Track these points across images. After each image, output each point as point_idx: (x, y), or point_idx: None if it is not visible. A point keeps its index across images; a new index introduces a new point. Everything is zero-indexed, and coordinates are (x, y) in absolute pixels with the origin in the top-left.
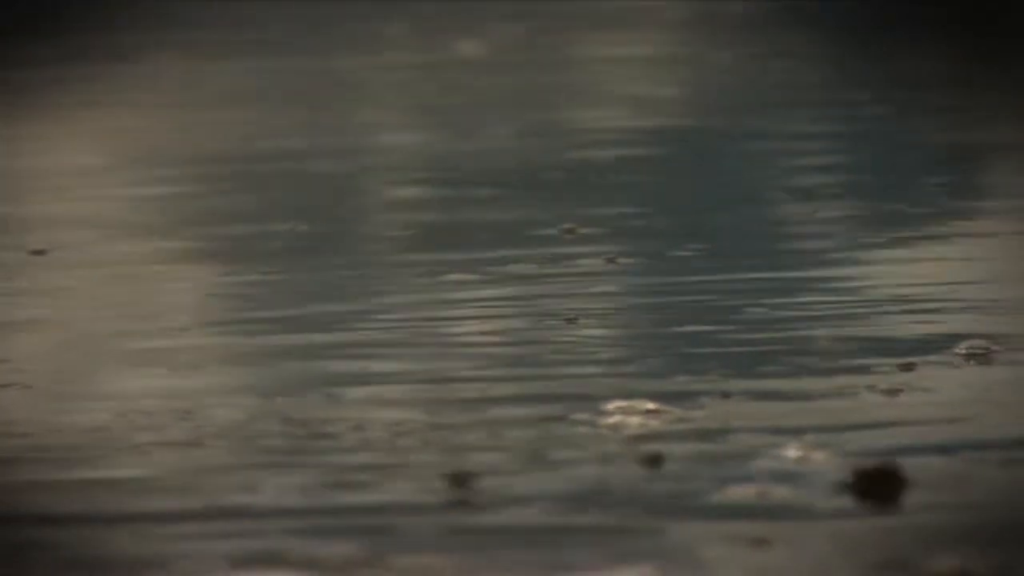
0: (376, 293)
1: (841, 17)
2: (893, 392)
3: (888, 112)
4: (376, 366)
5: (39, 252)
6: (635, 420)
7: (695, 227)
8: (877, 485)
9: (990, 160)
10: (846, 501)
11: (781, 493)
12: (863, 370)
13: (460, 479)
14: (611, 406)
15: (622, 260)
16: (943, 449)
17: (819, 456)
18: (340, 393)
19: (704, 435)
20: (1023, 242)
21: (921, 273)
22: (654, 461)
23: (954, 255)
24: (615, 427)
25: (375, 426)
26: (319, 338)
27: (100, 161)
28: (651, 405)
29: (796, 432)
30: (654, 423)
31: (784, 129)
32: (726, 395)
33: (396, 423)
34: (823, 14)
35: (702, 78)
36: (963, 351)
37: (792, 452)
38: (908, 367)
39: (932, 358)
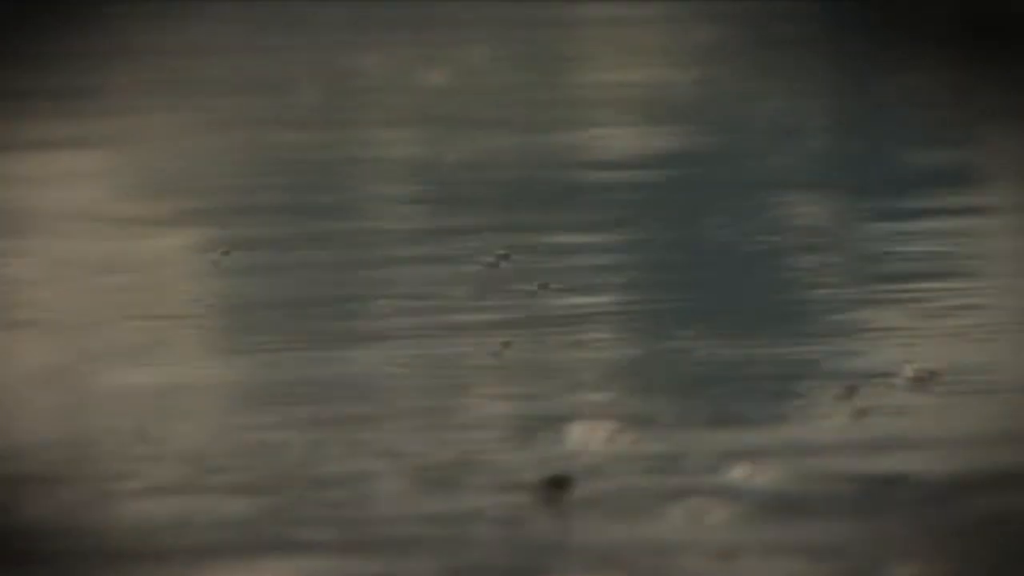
0: (321, 318)
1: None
2: (844, 414)
3: (849, 128)
4: (324, 387)
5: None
6: (599, 439)
7: (631, 251)
8: None
9: (954, 182)
10: (801, 515)
11: (740, 508)
12: (811, 393)
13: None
14: (573, 427)
15: (554, 286)
16: (894, 469)
17: (771, 475)
18: (292, 412)
19: (660, 454)
20: (972, 266)
21: (870, 297)
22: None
23: (904, 276)
24: (581, 445)
25: (336, 444)
26: (262, 360)
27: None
28: (612, 426)
29: (748, 452)
30: (617, 443)
31: (739, 147)
32: (677, 416)
33: (358, 443)
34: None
35: (672, 100)
36: (909, 375)
37: (744, 471)
38: (852, 390)
39: (878, 382)
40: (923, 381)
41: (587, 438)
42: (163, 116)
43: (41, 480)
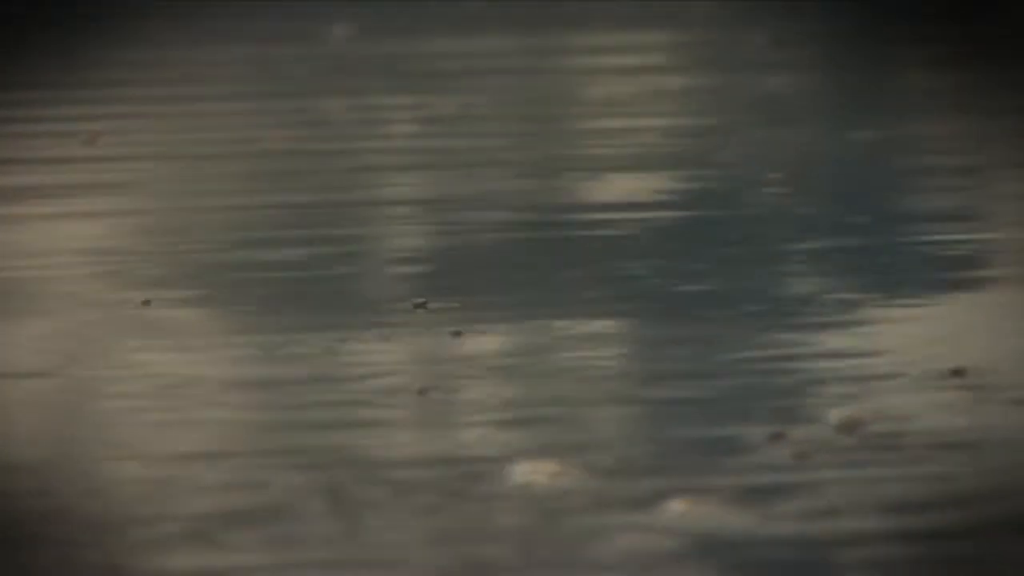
0: (229, 363)
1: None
2: (776, 456)
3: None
4: (248, 434)
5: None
6: (543, 479)
7: (567, 295)
8: None
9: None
10: (727, 549)
11: (676, 544)
12: (744, 437)
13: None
14: (516, 467)
15: (468, 333)
16: (828, 511)
17: (702, 510)
18: (227, 456)
19: (597, 492)
20: (911, 311)
21: (806, 340)
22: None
23: (840, 322)
24: (525, 486)
25: (275, 489)
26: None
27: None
28: (554, 466)
29: (684, 491)
30: (562, 481)
31: (704, 193)
32: (614, 457)
33: (296, 487)
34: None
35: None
36: (837, 421)
37: (678, 507)
38: (780, 436)
39: (805, 427)
40: (853, 426)
41: (528, 478)
42: (130, 156)
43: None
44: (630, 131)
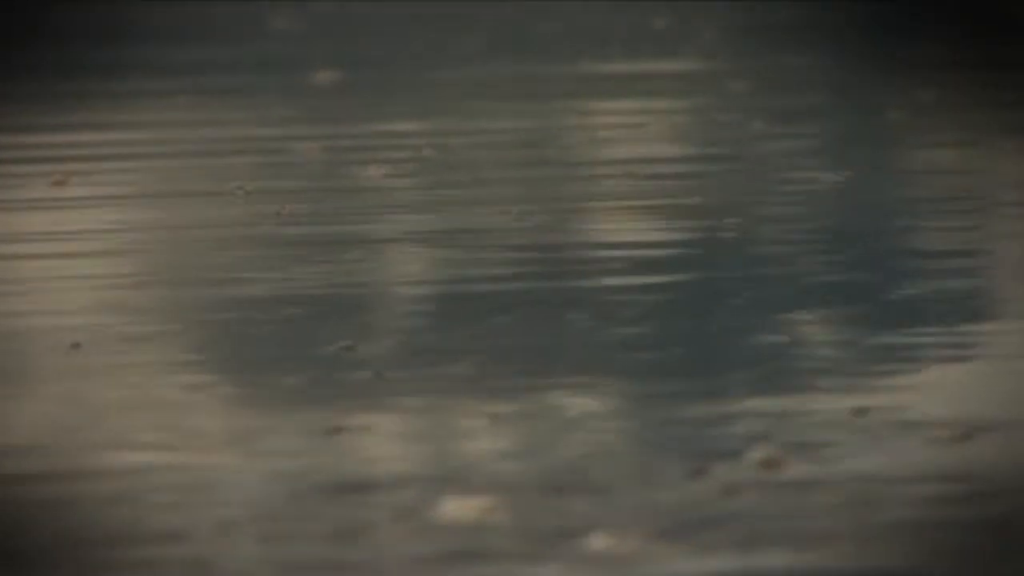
0: (152, 407)
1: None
2: (699, 491)
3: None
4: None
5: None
6: (471, 515)
7: (469, 341)
8: None
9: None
10: None
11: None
12: (661, 471)
13: None
14: (442, 503)
15: (390, 374)
16: (750, 546)
17: (631, 545)
18: (168, 491)
19: (521, 527)
20: (833, 349)
21: (731, 377)
22: None
23: (764, 358)
24: (450, 523)
25: (202, 520)
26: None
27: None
28: (484, 502)
29: (610, 523)
30: (490, 518)
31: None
32: (523, 492)
33: (223, 521)
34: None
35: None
36: (757, 459)
37: (601, 542)
38: (701, 472)
39: (728, 463)
40: (772, 466)
41: (454, 514)
42: (101, 197)
43: None
44: (608, 164)
